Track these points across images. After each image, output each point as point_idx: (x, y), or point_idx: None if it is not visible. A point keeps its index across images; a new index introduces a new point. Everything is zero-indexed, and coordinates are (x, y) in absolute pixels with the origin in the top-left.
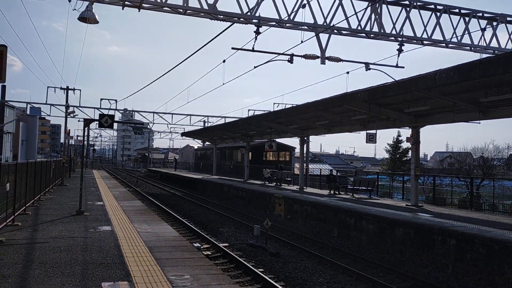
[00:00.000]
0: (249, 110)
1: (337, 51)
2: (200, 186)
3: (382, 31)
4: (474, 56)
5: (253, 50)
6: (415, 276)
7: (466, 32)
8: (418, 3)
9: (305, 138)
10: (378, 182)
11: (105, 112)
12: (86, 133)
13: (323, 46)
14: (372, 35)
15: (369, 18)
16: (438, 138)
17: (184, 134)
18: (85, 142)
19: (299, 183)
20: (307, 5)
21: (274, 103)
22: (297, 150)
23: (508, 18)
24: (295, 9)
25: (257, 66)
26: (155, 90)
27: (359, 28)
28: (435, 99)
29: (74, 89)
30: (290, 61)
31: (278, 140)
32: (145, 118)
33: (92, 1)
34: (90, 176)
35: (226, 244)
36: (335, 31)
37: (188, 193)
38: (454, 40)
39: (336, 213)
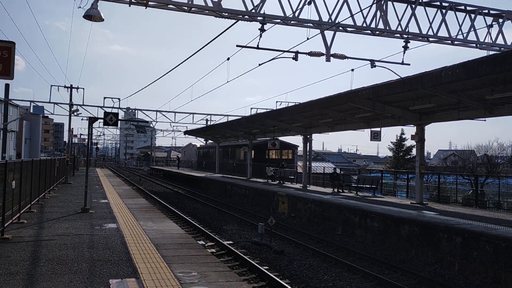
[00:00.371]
0: (251, 108)
1: (342, 48)
2: (203, 184)
3: (387, 28)
4: (479, 54)
5: (258, 48)
6: (421, 274)
7: (472, 29)
8: (424, 0)
9: (308, 136)
10: (382, 180)
11: (108, 111)
12: (90, 132)
13: (328, 43)
14: (377, 32)
15: (375, 15)
16: (441, 136)
17: (187, 132)
18: (90, 140)
19: (302, 181)
20: (312, 2)
21: (276, 102)
22: (300, 148)
23: None
24: (300, 6)
25: (262, 64)
26: (159, 89)
27: (364, 25)
28: (441, 96)
29: (78, 88)
30: (295, 58)
31: (281, 138)
32: (148, 117)
33: None
34: (94, 174)
35: (231, 242)
36: (340, 28)
37: (191, 191)
38: (460, 37)
39: (340, 211)
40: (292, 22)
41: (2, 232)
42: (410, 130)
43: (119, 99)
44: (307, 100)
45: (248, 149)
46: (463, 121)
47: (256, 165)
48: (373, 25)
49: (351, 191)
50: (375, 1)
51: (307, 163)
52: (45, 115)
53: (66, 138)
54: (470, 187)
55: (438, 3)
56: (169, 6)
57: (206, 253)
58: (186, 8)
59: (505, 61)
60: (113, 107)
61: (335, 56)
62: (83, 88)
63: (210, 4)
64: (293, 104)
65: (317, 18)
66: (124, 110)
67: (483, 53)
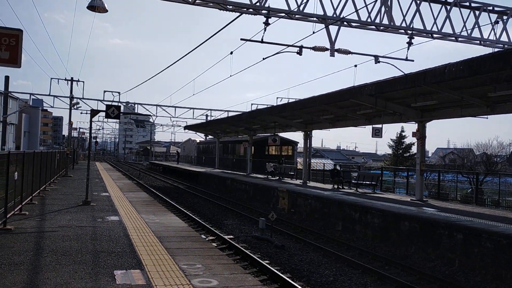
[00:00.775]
0: (252, 104)
1: (346, 43)
2: (203, 179)
3: (392, 23)
4: (483, 51)
5: (262, 42)
6: (421, 270)
7: (476, 26)
8: None
9: (309, 132)
10: (382, 177)
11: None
12: (91, 124)
13: (333, 38)
14: (382, 28)
15: (379, 10)
16: (440, 134)
17: (187, 127)
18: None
19: (303, 177)
20: None
21: (277, 98)
22: (300, 145)
23: None
24: (305, 0)
25: (266, 58)
26: (160, 83)
27: (369, 20)
28: (443, 93)
29: (78, 81)
30: (299, 53)
31: (281, 134)
32: (148, 111)
33: None
34: (93, 168)
35: (231, 236)
36: (345, 23)
37: (191, 186)
38: (464, 33)
39: (340, 207)
40: (296, 16)
41: (5, 223)
42: (410, 128)
43: (119, 92)
44: (309, 96)
45: (248, 144)
46: (462, 120)
47: (256, 161)
48: (377, 21)
49: (351, 187)
50: None
51: (307, 159)
52: (44, 108)
53: (64, 132)
54: (468, 185)
55: None
56: None
57: (209, 246)
58: (190, 0)
59: (509, 58)
60: (112, 101)
61: (340, 51)
62: (83, 82)
63: None
64: (293, 100)
65: (322, 13)
66: (123, 104)
67: (487, 50)
